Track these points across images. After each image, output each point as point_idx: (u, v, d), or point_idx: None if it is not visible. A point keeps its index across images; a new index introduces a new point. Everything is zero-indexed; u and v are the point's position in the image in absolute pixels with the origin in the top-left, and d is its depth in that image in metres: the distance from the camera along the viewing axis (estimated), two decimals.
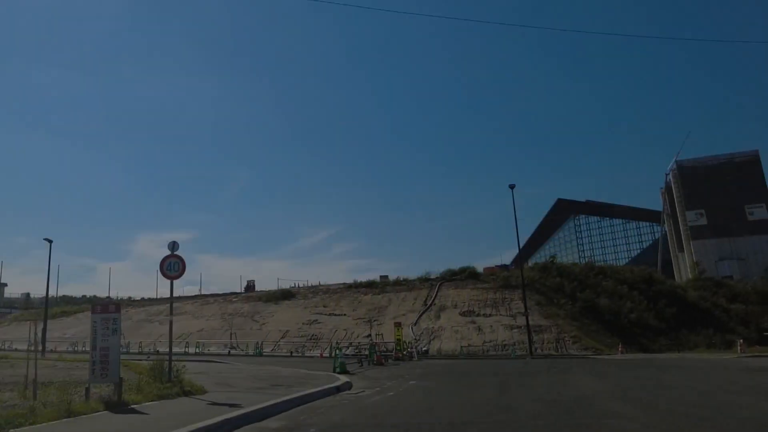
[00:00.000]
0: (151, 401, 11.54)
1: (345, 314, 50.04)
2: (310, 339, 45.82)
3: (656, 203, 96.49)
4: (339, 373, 21.03)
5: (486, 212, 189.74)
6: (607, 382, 15.19)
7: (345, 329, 46.34)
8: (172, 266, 14.24)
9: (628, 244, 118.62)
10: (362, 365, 26.64)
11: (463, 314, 43.93)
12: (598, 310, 43.50)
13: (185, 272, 14.24)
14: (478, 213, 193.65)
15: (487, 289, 47.77)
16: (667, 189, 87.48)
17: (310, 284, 66.96)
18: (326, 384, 15.05)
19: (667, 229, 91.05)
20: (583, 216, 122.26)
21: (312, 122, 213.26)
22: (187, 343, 47.51)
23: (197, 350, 44.79)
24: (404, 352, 34.02)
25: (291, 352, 42.70)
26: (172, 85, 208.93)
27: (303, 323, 49.79)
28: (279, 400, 11.11)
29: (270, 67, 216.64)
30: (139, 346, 47.78)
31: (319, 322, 49.29)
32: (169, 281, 14.39)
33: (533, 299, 43.56)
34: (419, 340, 40.91)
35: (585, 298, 44.26)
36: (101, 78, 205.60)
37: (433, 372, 21.19)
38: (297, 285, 67.05)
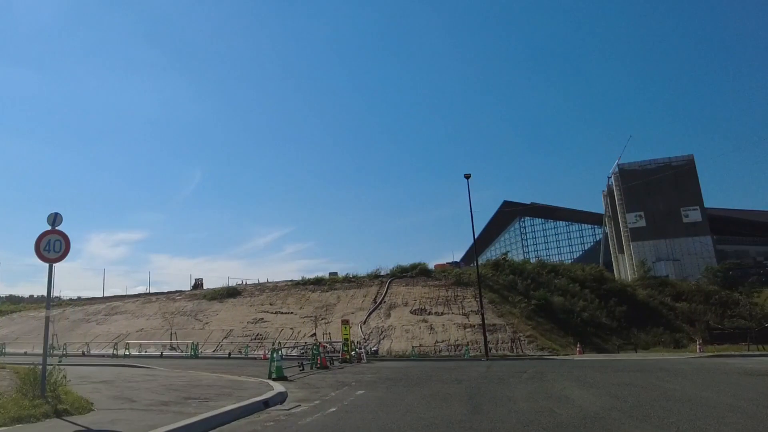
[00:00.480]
0: (2, 427, 8.30)
1: (292, 312, 46.77)
2: (255, 338, 42.39)
3: (599, 206, 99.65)
4: (275, 379, 17.96)
5: (437, 212, 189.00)
6: (599, 391, 12.66)
7: (291, 328, 43.10)
8: (52, 245, 10.86)
9: (571, 245, 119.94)
10: (303, 369, 23.58)
11: (414, 312, 41.39)
12: (551, 308, 41.78)
13: (68, 254, 10.91)
14: (429, 213, 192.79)
15: (439, 286, 45.39)
16: (609, 192, 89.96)
17: (258, 282, 63.15)
18: (253, 397, 12.04)
19: (608, 230, 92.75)
20: (529, 218, 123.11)
21: (266, 123, 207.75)
22: (115, 345, 43.10)
23: (126, 352, 40.54)
24: (352, 353, 31.07)
25: (230, 353, 39.13)
26: (128, 84, 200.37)
27: (248, 322, 46.28)
28: (175, 426, 7.98)
29: (224, 67, 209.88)
30: (64, 349, 42.90)
31: (265, 321, 45.87)
32: (48, 264, 10.99)
33: (486, 297, 41.43)
34: (368, 339, 38.12)
35: (539, 296, 42.46)
36: (52, 75, 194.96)
37: (384, 377, 18.36)
38: (244, 282, 63.11)
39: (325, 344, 33.72)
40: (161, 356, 39.55)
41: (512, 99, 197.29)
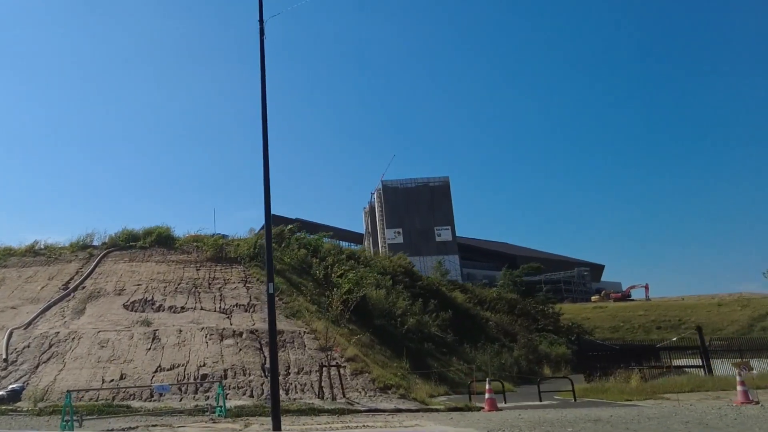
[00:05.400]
0: None
1: None
2: None
3: (361, 225, 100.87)
4: None
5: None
6: None
7: None
8: None
9: None
10: None
11: (130, 307, 22.58)
12: (366, 309, 26.14)
13: None
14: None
15: (186, 263, 26.92)
16: (371, 209, 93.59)
17: None
18: None
19: (366, 246, 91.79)
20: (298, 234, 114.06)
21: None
22: None
23: None
24: None
25: None
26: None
27: None
28: None
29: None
30: None
31: None
32: None
33: (264, 282, 24.37)
34: (15, 363, 18.52)
35: (348, 283, 26.22)
36: None
37: None
38: None
39: None
40: None
41: (283, 111, 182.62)
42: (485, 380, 25.45)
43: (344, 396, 16.62)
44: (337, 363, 17.54)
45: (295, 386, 17.37)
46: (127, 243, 29.59)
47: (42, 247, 31.41)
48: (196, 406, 15.25)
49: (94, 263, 27.61)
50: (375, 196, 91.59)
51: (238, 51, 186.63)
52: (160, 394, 16.25)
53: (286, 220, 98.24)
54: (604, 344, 29.67)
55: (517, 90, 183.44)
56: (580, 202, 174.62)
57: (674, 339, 29.02)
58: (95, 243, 30.94)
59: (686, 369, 25.11)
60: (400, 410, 14.47)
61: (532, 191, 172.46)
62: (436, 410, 14.78)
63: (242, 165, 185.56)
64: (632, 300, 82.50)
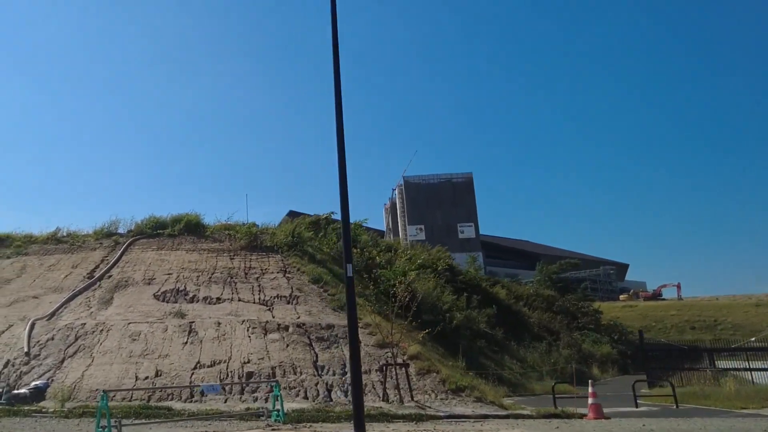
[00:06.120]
0: None
1: None
2: None
3: (380, 223, 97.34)
4: None
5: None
6: None
7: None
8: None
9: None
10: None
11: (161, 297, 20.67)
12: (414, 303, 23.93)
13: None
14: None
15: (219, 252, 24.95)
16: (392, 206, 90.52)
17: None
18: None
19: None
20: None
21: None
22: None
23: None
24: None
25: None
26: None
27: None
28: None
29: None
30: None
31: None
32: None
33: (307, 273, 22.29)
34: (38, 357, 16.67)
35: (389, 275, 23.95)
36: None
37: None
38: None
39: None
40: None
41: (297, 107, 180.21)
42: (544, 380, 23.60)
43: (412, 399, 14.52)
44: (403, 361, 15.47)
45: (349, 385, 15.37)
46: (154, 231, 27.66)
47: (65, 234, 29.64)
48: (248, 408, 13.24)
49: (120, 251, 25.73)
50: (396, 192, 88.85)
51: (252, 44, 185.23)
52: (203, 394, 14.25)
53: (303, 217, 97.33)
54: (671, 344, 27.32)
55: (539, 88, 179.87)
56: (601, 201, 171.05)
57: (753, 339, 26.56)
58: (120, 231, 29.11)
59: None
60: (486, 416, 12.35)
61: (552, 189, 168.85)
62: (529, 416, 12.63)
63: (267, 159, 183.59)
64: (663, 299, 79.69)
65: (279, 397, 12.31)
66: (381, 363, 16.06)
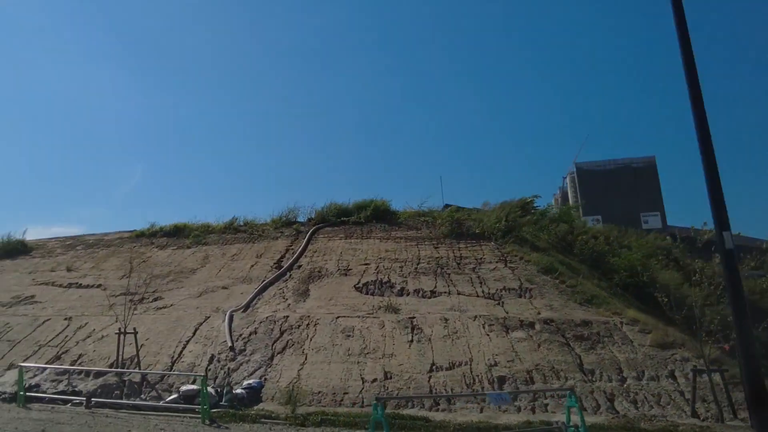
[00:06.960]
0: None
1: (99, 285, 22.29)
2: None
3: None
4: None
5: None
6: None
7: (69, 318, 18.78)
8: None
9: None
10: None
11: (363, 289, 17.95)
12: (651, 296, 19.27)
13: None
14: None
15: (418, 240, 21.92)
16: (562, 194, 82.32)
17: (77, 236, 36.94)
18: None
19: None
20: None
21: (212, 119, 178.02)
22: None
23: None
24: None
25: None
26: (71, 75, 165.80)
27: (4, 303, 21.35)
28: None
29: (171, 61, 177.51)
30: None
31: (36, 302, 21.08)
32: None
33: (532, 262, 18.52)
34: (244, 352, 14.44)
35: (624, 265, 19.68)
36: None
37: None
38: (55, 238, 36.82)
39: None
40: None
41: (472, 98, 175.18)
42: None
43: (735, 415, 10.50)
44: (719, 368, 11.32)
45: (644, 397, 11.40)
46: (338, 218, 25.42)
47: (241, 223, 28.37)
48: (528, 422, 9.78)
49: (305, 240, 23.63)
50: (567, 180, 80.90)
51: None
52: (448, 402, 10.96)
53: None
54: None
55: (734, 58, 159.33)
56: None
57: None
58: (300, 219, 27.31)
59: None
60: None
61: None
62: None
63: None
64: None
65: (577, 409, 8.86)
66: (669, 368, 12.27)
